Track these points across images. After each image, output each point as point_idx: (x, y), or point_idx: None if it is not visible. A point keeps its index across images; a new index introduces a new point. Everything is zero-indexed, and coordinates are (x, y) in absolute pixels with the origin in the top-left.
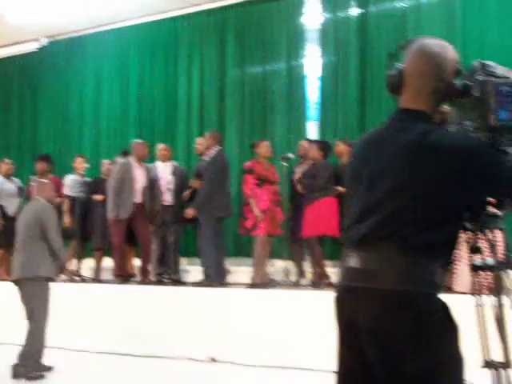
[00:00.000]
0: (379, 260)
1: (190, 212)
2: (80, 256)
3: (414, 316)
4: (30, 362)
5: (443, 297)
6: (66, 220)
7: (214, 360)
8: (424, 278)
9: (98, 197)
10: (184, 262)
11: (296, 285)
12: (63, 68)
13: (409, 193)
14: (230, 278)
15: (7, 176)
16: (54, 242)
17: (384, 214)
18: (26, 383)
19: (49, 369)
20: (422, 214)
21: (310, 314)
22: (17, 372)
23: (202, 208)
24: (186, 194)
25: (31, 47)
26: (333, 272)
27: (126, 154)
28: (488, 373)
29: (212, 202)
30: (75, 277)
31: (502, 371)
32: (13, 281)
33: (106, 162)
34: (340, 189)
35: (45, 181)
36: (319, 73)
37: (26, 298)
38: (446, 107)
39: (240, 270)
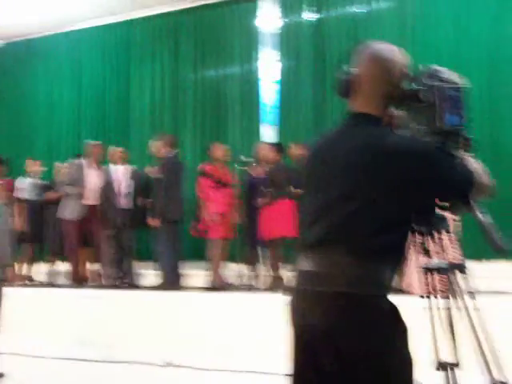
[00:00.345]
0: (331, 263)
1: (154, 222)
2: (34, 260)
3: (364, 319)
4: None
5: (394, 299)
6: (19, 224)
7: (170, 364)
8: (374, 280)
9: (51, 194)
10: (138, 266)
11: (252, 288)
12: (17, 70)
13: (360, 196)
14: (186, 282)
15: None
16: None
17: (336, 217)
18: None
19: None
20: (372, 217)
21: (267, 317)
22: None
23: (161, 213)
24: (51, 196)
25: None
26: (289, 275)
27: (80, 156)
28: (439, 373)
29: (168, 206)
30: (28, 281)
31: (453, 371)
32: None
33: (59, 164)
34: (296, 191)
35: None
36: (277, 76)
37: None
38: (396, 111)
39: (196, 274)
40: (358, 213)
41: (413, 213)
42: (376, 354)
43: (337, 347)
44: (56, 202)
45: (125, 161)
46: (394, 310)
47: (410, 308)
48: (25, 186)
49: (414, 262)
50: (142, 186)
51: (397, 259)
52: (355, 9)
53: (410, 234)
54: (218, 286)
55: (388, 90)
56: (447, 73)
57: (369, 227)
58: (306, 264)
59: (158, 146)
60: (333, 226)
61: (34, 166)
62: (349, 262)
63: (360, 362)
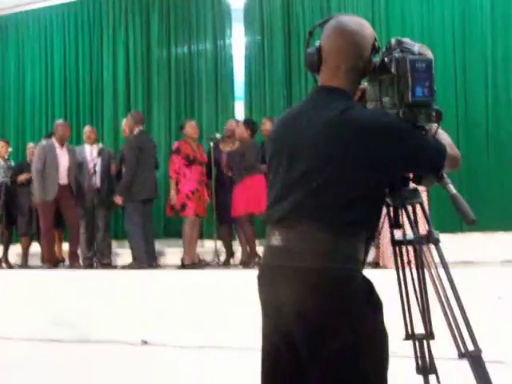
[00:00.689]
0: (300, 238)
1: (117, 199)
2: (6, 242)
3: (336, 293)
4: None
5: (369, 272)
6: None
7: (145, 342)
8: (345, 254)
9: (22, 176)
10: (114, 245)
11: (226, 265)
12: None
13: (328, 170)
14: (159, 260)
15: None
16: None
17: (304, 191)
18: None
19: None
20: (341, 191)
21: (241, 293)
22: None
23: (124, 191)
24: (22, 177)
25: None
26: (261, 251)
27: (50, 135)
28: (411, 345)
29: (135, 184)
30: (1, 264)
31: (425, 343)
32: None
33: (30, 145)
34: (264, 167)
35: None
36: (245, 52)
37: None
38: (364, 84)
39: (170, 252)
40: (326, 187)
41: (384, 186)
42: (348, 329)
43: (307, 323)
44: (28, 184)
45: (95, 140)
46: (366, 284)
47: (385, 282)
48: None
49: (387, 236)
50: (110, 165)
51: (368, 233)
52: None
53: (381, 208)
54: (191, 263)
55: (355, 63)
56: (416, 45)
57: (337, 201)
58: (275, 239)
59: (124, 124)
60: (300, 200)
61: (5, 147)
62: (318, 237)
63: (331, 338)
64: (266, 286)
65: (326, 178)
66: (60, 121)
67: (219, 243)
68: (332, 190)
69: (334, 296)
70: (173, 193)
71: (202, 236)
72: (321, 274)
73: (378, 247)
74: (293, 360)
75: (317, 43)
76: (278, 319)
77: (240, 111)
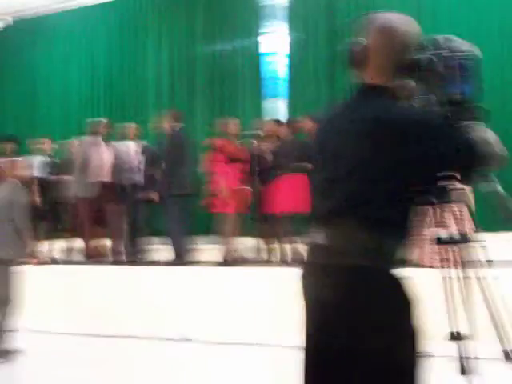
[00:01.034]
0: (341, 237)
1: (155, 196)
2: (50, 237)
3: (374, 292)
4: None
5: (406, 271)
6: (36, 201)
7: (184, 338)
8: (385, 253)
9: (66, 177)
10: (155, 241)
11: (266, 262)
12: (29, 47)
13: (368, 169)
14: (200, 256)
15: None
16: (20, 222)
17: (347, 191)
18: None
19: (8, 353)
20: (380, 190)
21: (281, 290)
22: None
23: (163, 188)
24: (65, 176)
25: None
26: (302, 248)
27: (94, 133)
28: (454, 345)
29: (174, 181)
30: (46, 258)
31: (466, 342)
32: None
33: (74, 141)
34: (307, 165)
35: (16, 159)
36: (287, 49)
37: None
38: (409, 82)
39: (210, 248)
40: (367, 186)
41: (422, 185)
42: (389, 327)
43: (347, 321)
44: (69, 180)
45: (137, 136)
46: (403, 283)
47: (423, 280)
48: (40, 164)
49: (426, 234)
50: (153, 162)
51: (406, 231)
52: None
53: (420, 207)
54: (231, 260)
55: (397, 60)
56: (458, 42)
57: (376, 200)
58: (317, 237)
59: (163, 121)
60: (342, 199)
61: (45, 144)
62: (359, 236)
63: (371, 336)
64: (308, 284)
65: (367, 178)
66: (103, 118)
67: (259, 240)
68: (370, 190)
69: (372, 295)
70: (219, 189)
71: (242, 233)
72: (360, 272)
73: (417, 246)
74: (335, 359)
75: (361, 41)
76: (320, 317)
77: (282, 109)
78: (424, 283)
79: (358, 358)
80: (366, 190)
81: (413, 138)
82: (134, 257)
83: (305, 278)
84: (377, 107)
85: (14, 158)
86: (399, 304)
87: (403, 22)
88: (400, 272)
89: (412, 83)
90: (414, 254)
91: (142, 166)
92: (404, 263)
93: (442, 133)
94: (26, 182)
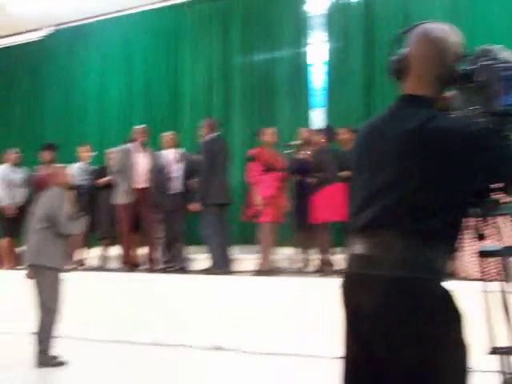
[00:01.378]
0: (382, 247)
1: (196, 206)
2: (87, 244)
3: (416, 303)
4: (46, 349)
5: (448, 283)
6: (73, 208)
7: (219, 348)
8: (427, 264)
9: (101, 180)
10: (191, 250)
11: (301, 272)
12: (67, 57)
13: (410, 181)
14: (235, 266)
15: (14, 165)
16: (63, 227)
17: (387, 201)
18: (48, 370)
19: (55, 358)
20: (424, 201)
21: (316, 301)
22: (40, 360)
23: (199, 197)
24: (102, 180)
25: (35, 36)
26: (338, 259)
27: (131, 140)
28: (495, 359)
29: (210, 189)
30: (82, 265)
31: (508, 356)
32: (25, 267)
33: (111, 150)
34: (345, 174)
35: (60, 166)
36: (325, 59)
37: (35, 286)
38: (450, 92)
39: (246, 258)
40: (409, 196)
41: (466, 197)
42: (428, 340)
43: (388, 332)
44: (107, 187)
45: (174, 145)
46: (447, 295)
47: (465, 293)
48: (78, 172)
49: (469, 247)
50: (191, 170)
51: (450, 243)
52: None
53: (463, 218)
54: (268, 270)
55: (440, 70)
56: (503, 52)
57: (421, 211)
58: (357, 247)
59: (201, 130)
60: (383, 210)
61: (84, 152)
62: (400, 246)
63: (410, 348)
64: (348, 294)
65: (409, 188)
66: (140, 126)
67: (295, 250)
68: (414, 200)
69: (414, 306)
70: (256, 198)
71: (278, 242)
72: (401, 283)
73: (457, 257)
74: (373, 369)
75: (402, 51)
76: (360, 327)
77: (319, 119)
78: (464, 296)
79: (398, 371)
80: (408, 200)
81: (458, 149)
82: (170, 265)
83: (344, 287)
84: (419, 118)
85: (57, 165)
86: (442, 317)
87: (446, 31)
88: (443, 284)
89: (454, 94)
90: (455, 266)
91: (180, 174)
92: (447, 275)
93: (492, 144)
94: (68, 189)
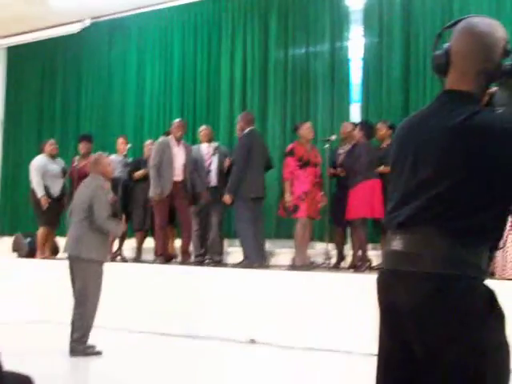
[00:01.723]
0: (422, 243)
1: (226, 199)
2: (121, 236)
3: (456, 301)
4: (81, 339)
5: (489, 282)
6: (111, 198)
7: (253, 341)
8: (468, 261)
9: (138, 173)
10: (225, 243)
11: (336, 267)
12: (106, 49)
13: (452, 177)
14: (270, 260)
15: (51, 156)
16: (100, 220)
17: (427, 197)
18: (83, 359)
19: (92, 347)
20: (466, 197)
21: (350, 297)
22: (74, 349)
23: (234, 190)
24: (139, 173)
25: (74, 29)
26: (373, 255)
27: (168, 133)
28: None
29: (244, 183)
30: (116, 257)
31: None
32: (66, 257)
33: (148, 142)
34: (382, 170)
35: (102, 155)
36: (362, 54)
37: (74, 276)
38: (493, 88)
39: (280, 252)
40: (451, 193)
41: (509, 193)
42: (468, 339)
43: (426, 329)
44: (143, 179)
45: (210, 138)
46: (489, 294)
47: (506, 293)
48: (114, 164)
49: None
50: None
51: (492, 241)
52: None
53: (506, 216)
54: (301, 264)
55: (485, 65)
56: None
57: (461, 208)
58: (395, 244)
59: (237, 124)
60: (423, 206)
61: (120, 144)
62: (440, 243)
63: (450, 347)
64: (384, 290)
65: (450, 185)
66: (177, 119)
67: (331, 246)
68: (456, 197)
69: (454, 304)
70: (287, 194)
71: (313, 238)
72: (441, 280)
73: (495, 256)
74: (409, 367)
75: (445, 45)
76: (396, 324)
77: (356, 114)
78: (506, 296)
79: (437, 371)
80: (449, 196)
81: (501, 146)
82: (203, 258)
83: (381, 284)
84: (462, 113)
85: (100, 153)
86: (484, 316)
87: (492, 26)
88: (485, 283)
89: (495, 89)
90: (496, 265)
91: (214, 167)
92: (488, 274)
93: None
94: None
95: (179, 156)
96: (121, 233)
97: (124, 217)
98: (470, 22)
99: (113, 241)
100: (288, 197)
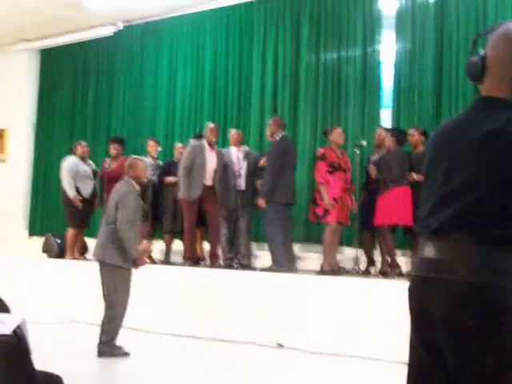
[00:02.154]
0: (455, 251)
1: (261, 202)
2: (150, 238)
3: (490, 310)
4: (109, 341)
5: None
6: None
7: (280, 346)
8: (502, 270)
9: (169, 178)
10: (254, 247)
11: (365, 273)
12: (138, 52)
13: (487, 183)
14: (298, 265)
15: (83, 158)
16: (119, 223)
17: (461, 204)
18: (111, 360)
19: (120, 348)
20: (499, 205)
21: (379, 303)
22: (101, 351)
23: (267, 194)
24: (170, 179)
25: (107, 31)
26: (403, 261)
27: (199, 137)
28: None
29: (276, 188)
30: (146, 259)
31: None
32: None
33: (178, 145)
34: (414, 176)
35: (139, 159)
36: (395, 59)
37: (103, 279)
38: None
39: (309, 257)
40: (485, 200)
41: None
42: (501, 348)
43: (458, 338)
44: (174, 182)
45: (240, 142)
46: None
47: None
48: None
49: None
50: (256, 167)
51: None
52: None
53: None
54: (330, 269)
55: None
56: None
57: (496, 215)
58: (428, 251)
59: (268, 128)
60: (457, 212)
61: (151, 147)
62: (474, 250)
63: (483, 356)
64: (416, 297)
65: (485, 192)
66: (211, 123)
67: (360, 251)
68: (489, 204)
69: (487, 313)
70: (326, 198)
71: (342, 243)
72: (474, 288)
73: None
74: (441, 376)
75: (481, 52)
76: (427, 332)
77: (387, 119)
78: None
79: (469, 380)
80: (484, 204)
81: None
82: (232, 261)
83: (413, 291)
84: (498, 120)
85: (135, 157)
86: None
87: None
88: None
89: None
90: None
91: (244, 171)
92: None
93: None
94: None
95: (211, 160)
96: (135, 254)
97: (151, 220)
98: (507, 28)
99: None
100: (327, 200)
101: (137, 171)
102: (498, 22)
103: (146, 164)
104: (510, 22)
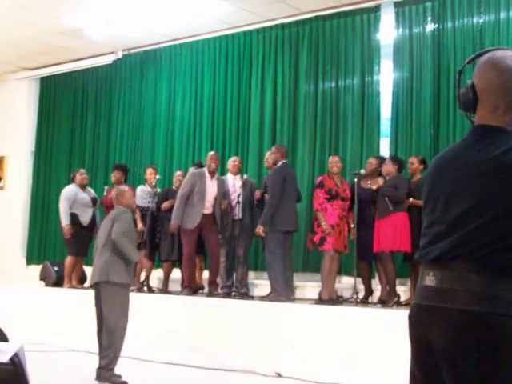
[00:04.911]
0: (456, 279)
1: (260, 230)
2: (149, 267)
3: (491, 340)
4: (108, 365)
5: None
6: (140, 227)
7: (279, 375)
8: (504, 299)
9: (165, 204)
10: (252, 276)
11: (364, 302)
12: (137, 80)
13: (486, 213)
14: (297, 294)
15: (82, 186)
16: (115, 235)
17: (461, 233)
18: None
19: (119, 377)
20: (502, 233)
21: (378, 332)
22: (100, 375)
23: (267, 222)
24: (166, 204)
25: (107, 60)
26: (402, 290)
27: (199, 165)
28: None
29: (277, 215)
30: (143, 287)
31: None
32: (91, 286)
33: (178, 173)
34: (412, 202)
35: (125, 188)
36: (392, 89)
37: (101, 303)
38: None
39: (307, 286)
40: (486, 229)
41: None
42: (501, 381)
43: (457, 368)
44: (172, 209)
45: (239, 170)
46: None
47: None
48: (142, 194)
49: None
50: (253, 196)
51: None
52: (480, 18)
53: None
54: (328, 298)
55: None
56: None
57: (496, 243)
58: (428, 279)
59: (268, 156)
60: (458, 241)
61: (149, 174)
62: (476, 279)
63: None
64: (416, 326)
65: (483, 220)
66: (211, 152)
67: (358, 280)
68: (491, 233)
69: (488, 343)
70: (323, 223)
71: (340, 271)
72: (475, 317)
73: None
74: None
75: (469, 82)
76: (428, 361)
77: (385, 148)
78: None
79: None
80: (485, 232)
81: None
82: (230, 290)
83: (413, 320)
84: (495, 149)
85: (122, 186)
86: None
87: None
88: None
89: None
90: None
91: (242, 199)
92: None
93: None
94: (132, 211)
95: (212, 188)
96: (137, 257)
97: (149, 248)
98: (493, 55)
99: (138, 269)
100: (325, 225)
101: (125, 199)
102: (495, 48)
103: (133, 191)
104: (493, 50)
